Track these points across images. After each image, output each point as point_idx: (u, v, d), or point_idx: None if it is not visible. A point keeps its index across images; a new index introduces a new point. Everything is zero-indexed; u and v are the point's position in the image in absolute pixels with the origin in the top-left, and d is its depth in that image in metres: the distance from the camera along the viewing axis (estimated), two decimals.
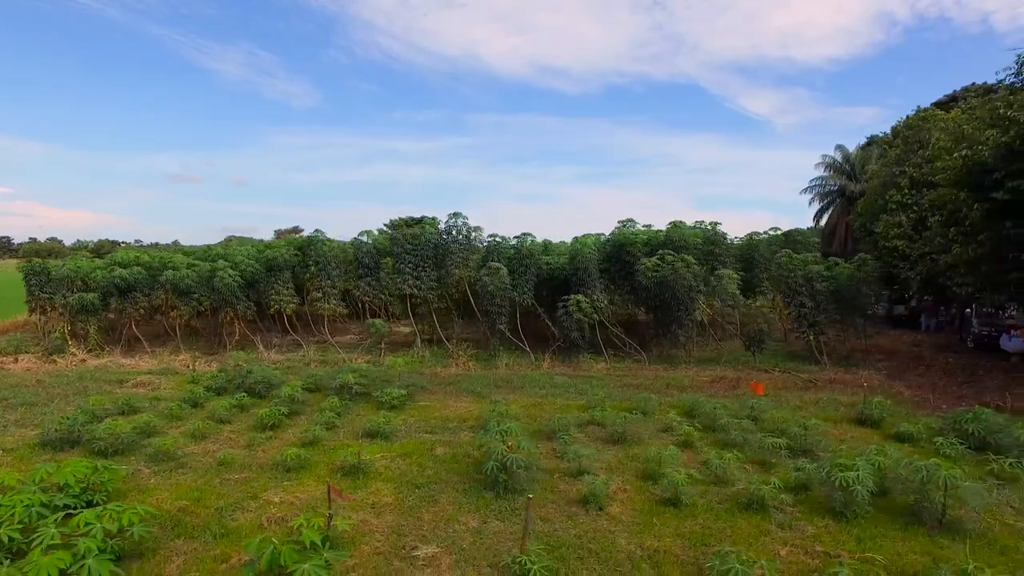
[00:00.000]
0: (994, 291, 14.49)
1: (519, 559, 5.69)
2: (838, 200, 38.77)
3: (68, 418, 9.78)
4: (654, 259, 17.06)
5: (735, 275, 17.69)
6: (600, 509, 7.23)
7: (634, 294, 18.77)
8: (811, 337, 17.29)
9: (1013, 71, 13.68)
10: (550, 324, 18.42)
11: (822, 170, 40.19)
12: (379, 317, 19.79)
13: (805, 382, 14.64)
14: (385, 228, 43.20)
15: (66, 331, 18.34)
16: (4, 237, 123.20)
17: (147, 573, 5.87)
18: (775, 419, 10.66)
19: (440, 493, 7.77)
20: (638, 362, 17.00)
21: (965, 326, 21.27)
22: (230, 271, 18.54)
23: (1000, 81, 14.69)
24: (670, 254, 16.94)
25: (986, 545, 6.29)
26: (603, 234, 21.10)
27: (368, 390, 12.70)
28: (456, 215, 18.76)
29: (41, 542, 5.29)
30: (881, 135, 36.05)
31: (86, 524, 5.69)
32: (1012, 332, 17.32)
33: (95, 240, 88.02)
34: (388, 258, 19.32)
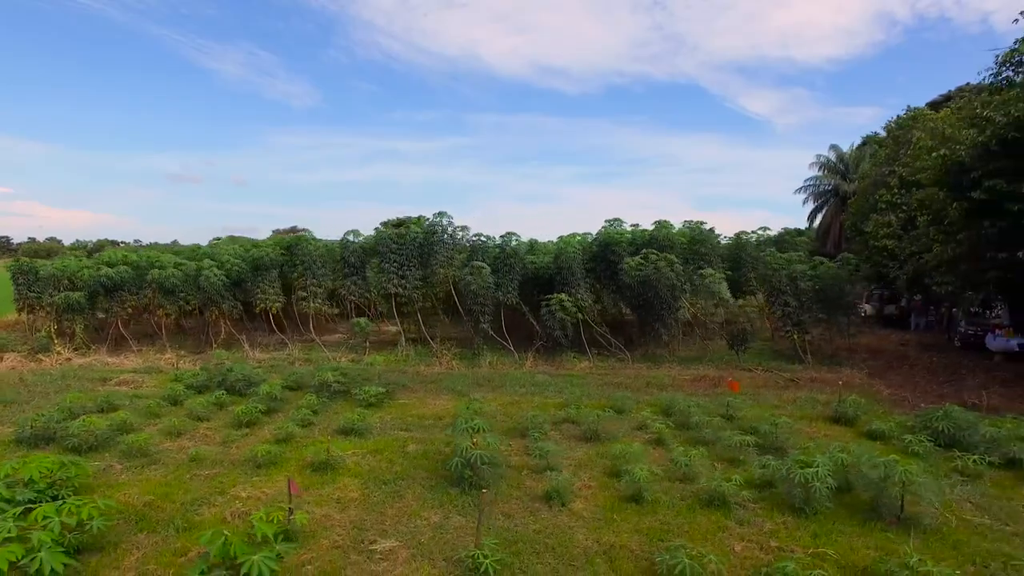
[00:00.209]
0: (973, 290, 14.53)
1: (472, 553, 5.75)
2: (832, 200, 38.78)
3: (43, 415, 9.78)
4: (637, 258, 17.12)
5: (720, 274, 17.75)
6: (563, 505, 7.28)
7: (619, 293, 18.83)
8: (795, 336, 17.33)
9: (992, 71, 13.73)
10: (535, 323, 18.48)
11: (816, 170, 40.26)
12: (366, 316, 19.84)
13: (787, 381, 14.69)
14: (381, 229, 43.06)
15: (52, 330, 18.41)
16: (3, 237, 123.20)
17: (106, 566, 5.92)
18: (749, 417, 10.71)
19: (406, 489, 7.81)
20: (622, 361, 17.05)
21: (952, 326, 21.35)
22: (216, 270, 18.60)
23: (982, 81, 14.75)
24: (654, 253, 16.99)
25: (939, 540, 6.34)
26: (590, 233, 21.18)
27: (348, 388, 12.74)
28: (441, 214, 18.86)
29: None
30: (875, 135, 36.11)
31: (44, 518, 5.71)
32: (997, 332, 17.41)
33: (94, 240, 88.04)
34: (375, 258, 19.39)
